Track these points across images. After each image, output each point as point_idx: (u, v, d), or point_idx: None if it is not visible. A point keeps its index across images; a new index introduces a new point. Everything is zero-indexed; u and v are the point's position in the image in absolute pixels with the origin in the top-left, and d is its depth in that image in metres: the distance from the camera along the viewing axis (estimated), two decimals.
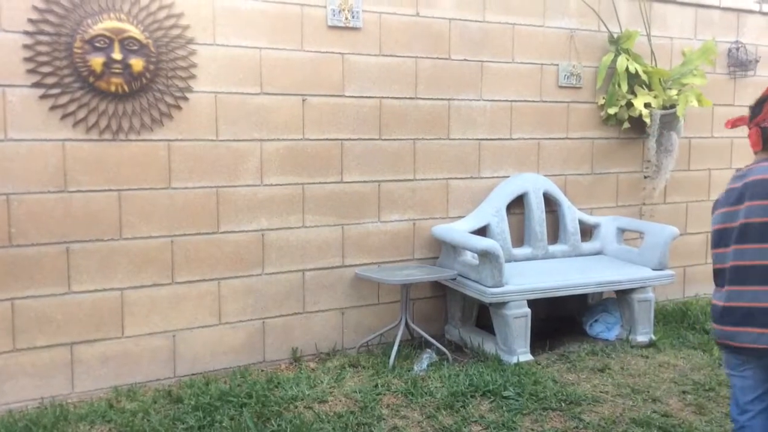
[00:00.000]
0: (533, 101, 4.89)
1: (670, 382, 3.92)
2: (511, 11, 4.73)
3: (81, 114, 3.57)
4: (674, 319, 5.08)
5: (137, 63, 3.63)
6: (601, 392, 3.78)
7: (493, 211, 4.64)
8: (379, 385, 3.80)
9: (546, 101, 4.95)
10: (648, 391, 3.79)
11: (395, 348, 4.13)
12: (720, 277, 2.50)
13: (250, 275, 4.08)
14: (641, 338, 4.57)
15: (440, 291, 4.65)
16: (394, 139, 4.42)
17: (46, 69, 3.47)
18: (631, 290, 4.56)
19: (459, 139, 4.64)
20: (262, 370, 4.09)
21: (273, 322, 4.18)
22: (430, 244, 4.61)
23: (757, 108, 2.49)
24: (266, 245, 4.12)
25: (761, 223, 2.29)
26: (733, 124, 2.65)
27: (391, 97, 4.38)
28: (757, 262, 2.32)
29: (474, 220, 4.62)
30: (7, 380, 3.52)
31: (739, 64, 5.73)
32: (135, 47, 3.62)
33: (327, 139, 4.23)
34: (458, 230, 4.45)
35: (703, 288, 5.83)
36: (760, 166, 2.36)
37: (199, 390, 3.68)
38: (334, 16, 4.16)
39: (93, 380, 3.72)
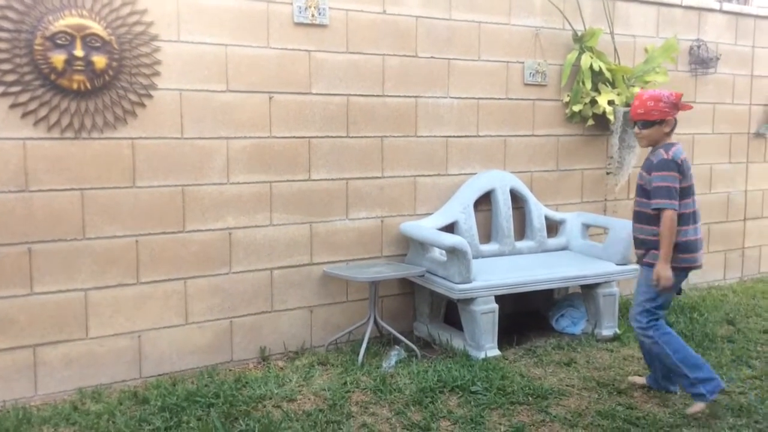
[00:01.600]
0: (499, 99, 4.93)
1: (635, 375, 3.99)
2: (477, 9, 4.76)
3: (42, 112, 3.51)
4: None
5: (100, 60, 3.58)
6: (567, 386, 3.83)
7: (460, 208, 4.67)
8: (348, 383, 3.80)
9: (512, 99, 4.99)
10: (613, 384, 3.85)
11: (364, 345, 4.14)
12: (687, 219, 3.43)
13: (217, 274, 4.05)
14: (606, 332, 4.64)
15: (409, 288, 4.67)
16: (362, 137, 4.42)
17: (5, 66, 3.40)
18: (596, 285, 4.63)
19: (426, 136, 4.65)
20: (230, 370, 4.06)
21: (241, 321, 4.15)
22: (399, 241, 4.62)
23: None
24: (233, 244, 4.09)
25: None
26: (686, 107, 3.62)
27: (359, 95, 4.38)
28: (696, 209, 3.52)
29: (442, 217, 4.64)
30: None
31: (701, 61, 5.84)
32: (98, 44, 3.56)
33: (294, 137, 4.21)
34: (426, 227, 4.47)
35: None
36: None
37: (166, 390, 3.65)
38: (300, 13, 4.14)
39: (57, 382, 3.66)
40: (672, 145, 3.48)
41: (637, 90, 5.15)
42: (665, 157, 3.41)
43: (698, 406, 3.45)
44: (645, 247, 3.54)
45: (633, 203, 3.62)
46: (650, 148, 3.58)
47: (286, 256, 4.25)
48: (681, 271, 3.48)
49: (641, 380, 3.85)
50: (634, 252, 3.70)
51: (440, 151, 4.72)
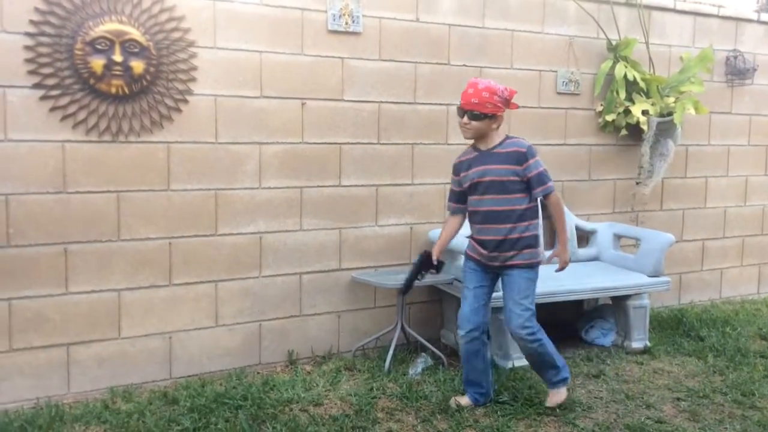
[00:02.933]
0: (531, 107, 4.91)
1: (665, 389, 3.94)
2: (510, 17, 4.76)
3: (81, 115, 3.59)
4: (669, 326, 5.10)
5: (138, 65, 3.65)
6: (595, 398, 3.80)
7: None
8: (375, 389, 3.81)
9: (544, 107, 4.97)
10: (642, 398, 3.81)
11: (391, 352, 4.15)
12: (535, 213, 3.51)
13: (247, 278, 4.10)
14: (636, 345, 4.59)
15: (436, 295, 4.67)
16: (393, 144, 4.44)
17: (46, 70, 3.49)
18: (627, 297, 4.58)
19: (457, 144, 4.64)
20: (258, 373, 4.10)
21: (269, 324, 4.19)
22: (427, 248, 4.60)
23: None
24: (264, 248, 4.13)
25: None
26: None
27: (390, 102, 4.40)
28: None
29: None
30: (2, 380, 3.53)
31: (737, 72, 5.75)
32: (136, 49, 3.63)
33: (325, 143, 4.25)
34: None
35: (698, 295, 5.86)
36: None
37: (195, 392, 3.70)
38: (334, 20, 4.18)
39: (89, 381, 3.73)
40: (514, 136, 3.49)
41: (672, 100, 5.10)
42: (526, 143, 3.42)
43: (562, 393, 3.60)
44: (518, 247, 3.39)
45: (477, 204, 3.44)
46: (488, 144, 3.45)
47: (316, 261, 4.28)
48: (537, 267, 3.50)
49: (466, 401, 3.62)
50: (483, 255, 3.48)
51: None
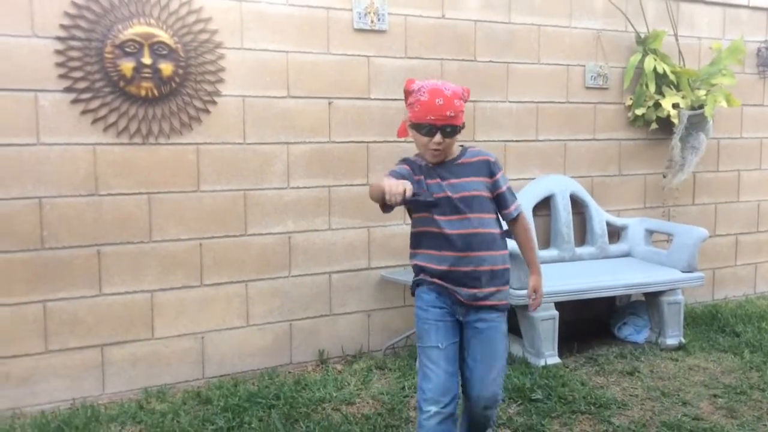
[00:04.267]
0: (559, 102, 4.87)
1: (701, 386, 3.88)
2: (536, 12, 4.72)
3: (112, 118, 3.62)
4: (704, 322, 5.02)
5: (167, 67, 3.67)
6: (630, 395, 3.75)
7: None
8: (406, 388, 3.80)
9: (572, 102, 4.92)
10: (678, 395, 3.75)
11: None
12: None
13: (277, 277, 4.10)
14: (670, 341, 4.52)
15: None
16: None
17: (77, 74, 3.52)
18: (660, 293, 4.52)
19: (484, 140, 4.62)
20: (290, 372, 4.10)
21: (300, 324, 4.19)
22: None
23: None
24: (293, 247, 4.13)
25: None
26: None
27: None
28: None
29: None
30: (39, 381, 3.57)
31: None
32: (164, 52, 3.65)
33: (353, 142, 4.24)
34: None
35: (732, 291, 5.76)
36: None
37: (228, 391, 3.71)
38: (360, 19, 4.17)
39: (123, 381, 3.76)
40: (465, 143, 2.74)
41: (703, 93, 5.02)
42: (487, 151, 2.69)
43: None
44: (502, 281, 2.61)
45: (456, 225, 2.52)
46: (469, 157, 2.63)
47: (345, 260, 4.28)
48: None
49: None
50: (468, 293, 2.55)
51: (499, 156, 4.64)
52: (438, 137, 2.48)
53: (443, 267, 2.56)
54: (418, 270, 2.67)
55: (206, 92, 3.81)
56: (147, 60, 3.61)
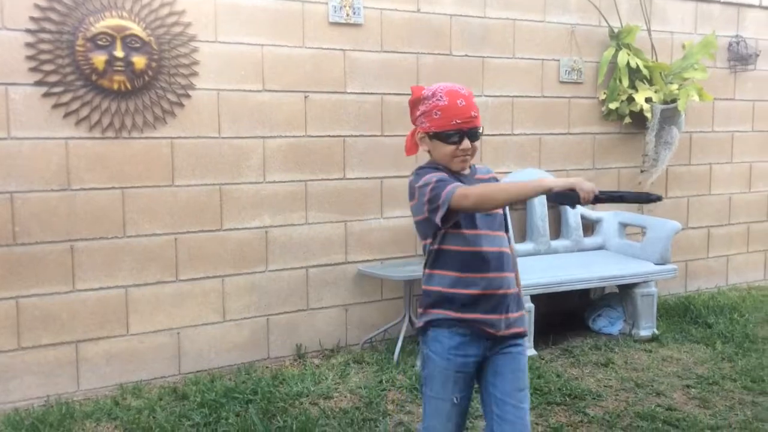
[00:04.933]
0: (534, 97, 4.90)
1: (674, 376, 3.93)
2: (511, 6, 4.74)
3: (84, 112, 3.57)
4: (676, 314, 5.09)
5: (139, 60, 3.63)
6: (605, 386, 3.79)
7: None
8: (384, 381, 3.81)
9: (547, 96, 4.95)
10: (651, 385, 3.80)
11: (399, 344, 4.14)
12: None
13: (253, 272, 4.09)
14: (644, 333, 4.58)
15: None
16: (396, 135, 4.42)
17: (48, 67, 3.47)
18: (634, 285, 4.57)
19: None
20: (267, 367, 4.09)
21: (277, 319, 4.18)
22: None
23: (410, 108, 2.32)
24: (269, 242, 4.12)
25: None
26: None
27: (393, 94, 4.38)
28: None
29: None
30: (12, 378, 3.52)
31: (740, 58, 5.73)
32: (137, 45, 3.61)
33: (329, 136, 4.23)
34: None
35: (705, 282, 5.85)
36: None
37: (205, 387, 3.69)
38: (335, 12, 4.15)
39: (98, 378, 3.72)
40: None
41: (675, 87, 5.07)
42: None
43: None
44: (521, 304, 2.36)
45: (485, 241, 2.21)
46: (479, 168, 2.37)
47: (322, 254, 4.27)
48: None
49: None
50: (501, 320, 2.22)
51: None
52: (466, 142, 2.18)
53: (474, 291, 2.19)
54: (438, 299, 2.24)
55: (180, 86, 3.78)
56: (119, 53, 3.57)
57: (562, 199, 2.00)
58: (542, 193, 2.00)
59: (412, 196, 2.21)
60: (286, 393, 3.63)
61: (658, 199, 2.08)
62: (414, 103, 2.28)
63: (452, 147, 2.18)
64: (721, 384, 3.81)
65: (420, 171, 2.22)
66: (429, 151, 2.28)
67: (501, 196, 2.03)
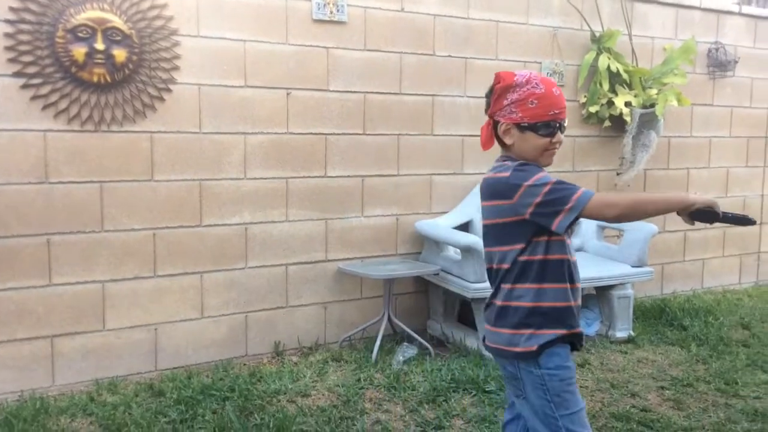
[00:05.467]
0: None
1: (649, 378, 3.97)
2: (494, 8, 4.76)
3: (63, 104, 3.53)
4: (652, 316, 5.15)
5: (120, 54, 3.60)
6: (580, 387, 3.82)
7: (476, 207, 4.66)
8: (362, 380, 3.81)
9: None
10: (627, 387, 3.84)
11: (377, 342, 4.15)
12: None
13: (233, 269, 4.07)
14: (620, 334, 4.62)
15: (423, 286, 4.67)
16: (378, 134, 4.42)
17: (27, 58, 3.43)
18: (611, 287, 4.61)
19: (443, 135, 4.65)
20: (245, 364, 4.08)
21: (256, 316, 4.17)
22: (413, 239, 4.62)
23: (486, 99, 2.14)
24: (249, 239, 4.10)
25: (485, 225, 2.13)
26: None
27: (376, 92, 4.39)
28: None
29: (457, 216, 4.64)
30: None
31: (719, 64, 5.80)
32: (118, 38, 3.58)
33: (311, 133, 4.22)
34: (441, 226, 4.47)
35: (680, 285, 5.92)
36: (495, 165, 2.11)
37: (181, 383, 3.66)
38: (319, 9, 4.15)
39: (74, 373, 3.68)
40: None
41: (654, 92, 5.13)
42: None
43: None
44: None
45: (568, 250, 2.08)
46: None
47: (302, 252, 4.26)
48: None
49: None
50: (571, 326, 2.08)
51: (456, 150, 4.72)
52: (560, 135, 2.05)
53: (570, 303, 2.07)
54: (552, 316, 2.03)
55: (161, 80, 3.75)
56: (100, 45, 3.54)
57: (701, 216, 1.95)
58: (685, 208, 1.92)
59: (506, 194, 1.97)
60: (264, 390, 3.62)
61: (753, 222, 2.02)
62: (502, 91, 2.04)
63: (546, 140, 2.02)
64: (695, 386, 3.86)
65: (525, 167, 1.98)
66: (509, 145, 2.07)
67: (650, 208, 1.94)
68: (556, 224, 1.90)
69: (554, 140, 2.04)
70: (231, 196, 4.02)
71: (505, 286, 2.04)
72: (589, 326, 4.75)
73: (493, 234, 2.08)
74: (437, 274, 4.34)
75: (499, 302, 2.07)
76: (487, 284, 4.06)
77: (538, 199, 1.91)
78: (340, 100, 4.28)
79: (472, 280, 4.11)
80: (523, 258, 2.01)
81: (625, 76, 5.12)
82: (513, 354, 2.04)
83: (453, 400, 3.57)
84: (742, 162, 6.16)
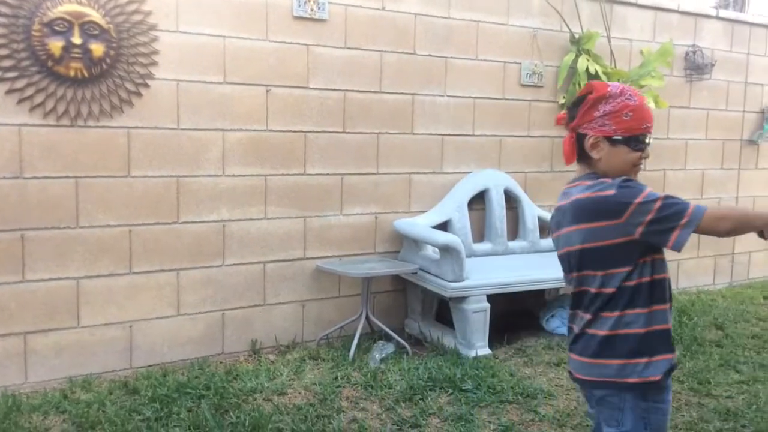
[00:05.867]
0: (496, 98, 4.94)
1: None
2: (475, 8, 4.77)
3: (38, 98, 3.49)
4: None
5: (97, 48, 3.56)
6: (556, 386, 3.85)
7: (454, 206, 4.68)
8: (339, 378, 3.81)
9: (508, 99, 5.00)
10: None
11: (355, 341, 4.14)
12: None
13: (210, 266, 4.04)
14: None
15: (401, 285, 4.67)
16: (358, 133, 4.42)
17: (2, 51, 3.39)
18: None
19: (422, 134, 4.66)
20: (221, 362, 4.05)
21: (232, 314, 4.15)
22: (392, 238, 4.62)
23: (572, 110, 2.01)
24: (227, 236, 4.08)
25: (581, 251, 1.94)
26: (558, 120, 2.19)
27: (356, 90, 4.38)
28: None
29: (436, 215, 4.65)
30: None
31: (696, 67, 5.86)
32: (95, 32, 3.55)
33: (291, 131, 4.21)
34: (420, 225, 4.48)
35: None
36: (583, 184, 1.94)
37: (156, 381, 3.64)
38: (299, 6, 4.13)
39: (47, 370, 3.64)
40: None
41: None
42: None
43: None
44: None
45: (667, 268, 1.97)
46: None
47: (280, 250, 4.25)
48: None
49: None
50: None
51: (436, 149, 4.73)
52: (648, 150, 1.96)
53: (670, 324, 1.96)
54: (660, 341, 1.92)
55: (138, 75, 3.72)
56: (77, 40, 3.50)
57: None
58: None
59: (613, 214, 1.83)
60: (240, 389, 3.60)
61: None
62: (595, 102, 1.92)
63: (637, 154, 1.92)
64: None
65: (629, 184, 1.84)
66: (596, 160, 1.94)
67: (758, 223, 1.83)
68: (673, 241, 1.78)
69: (644, 155, 1.95)
70: (209, 193, 3.99)
71: (611, 314, 1.90)
72: (565, 325, 4.77)
73: (592, 257, 1.91)
74: (415, 273, 4.34)
75: (603, 332, 1.91)
76: (465, 283, 4.11)
77: (650, 217, 1.78)
78: (320, 97, 4.27)
79: (450, 279, 4.12)
80: (632, 282, 1.88)
81: (603, 77, 5.15)
82: (626, 386, 1.90)
83: (430, 399, 3.58)
84: (717, 164, 6.24)
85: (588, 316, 1.95)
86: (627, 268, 1.86)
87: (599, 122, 1.91)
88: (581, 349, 1.99)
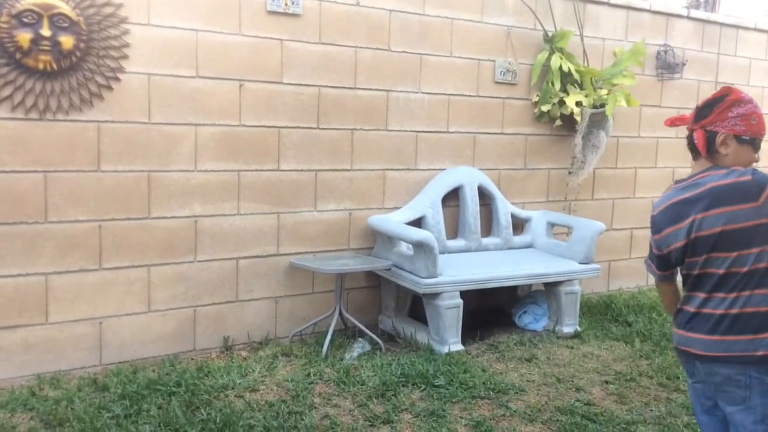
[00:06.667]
0: (470, 96, 4.96)
1: (593, 372, 4.06)
2: (450, 5, 4.78)
3: (6, 91, 3.43)
4: (599, 312, 5.25)
5: (67, 40, 3.51)
6: (527, 381, 3.88)
7: (428, 203, 4.69)
8: (312, 374, 3.80)
9: (482, 96, 5.02)
10: (572, 381, 3.91)
11: (328, 337, 4.14)
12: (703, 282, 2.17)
13: (181, 262, 4.01)
14: (567, 329, 4.70)
15: (375, 281, 4.67)
16: (333, 129, 4.41)
17: None
18: (559, 283, 4.69)
19: (397, 130, 4.66)
20: (193, 359, 4.02)
21: (204, 310, 4.12)
22: (366, 234, 4.62)
23: (705, 110, 2.23)
24: (199, 232, 4.05)
25: (734, 230, 2.11)
26: (673, 122, 2.44)
27: (330, 86, 4.37)
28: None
29: (410, 212, 4.66)
30: None
31: (667, 66, 5.93)
32: (65, 24, 3.49)
33: (264, 126, 4.18)
34: (394, 221, 4.48)
35: (626, 282, 6.05)
36: (715, 173, 2.14)
37: (126, 378, 3.60)
38: (273, 1, 4.10)
39: (14, 367, 3.59)
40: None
41: (604, 92, 5.22)
42: None
43: None
44: None
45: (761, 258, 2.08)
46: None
47: (253, 245, 4.23)
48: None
49: None
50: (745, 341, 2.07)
51: (410, 146, 4.73)
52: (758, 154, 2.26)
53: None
54: None
55: (109, 68, 3.67)
56: (46, 32, 3.44)
57: None
58: None
59: (753, 196, 2.04)
60: (211, 385, 3.58)
61: None
62: (731, 104, 2.17)
63: (755, 155, 2.21)
64: (638, 381, 3.96)
65: (758, 172, 2.09)
66: (723, 155, 2.17)
67: None
68: None
69: (757, 157, 2.22)
70: (181, 189, 3.96)
71: (741, 294, 2.08)
72: (537, 321, 4.83)
73: (728, 239, 2.08)
74: (389, 269, 4.35)
75: (733, 311, 2.08)
76: (439, 279, 4.12)
77: None
78: (294, 93, 4.25)
79: (423, 275, 4.13)
80: (762, 264, 2.06)
81: (576, 76, 5.20)
82: (754, 359, 2.05)
83: (402, 395, 3.59)
84: (687, 162, 6.22)
85: (715, 296, 2.12)
86: (758, 249, 2.05)
87: (732, 122, 2.15)
88: (704, 328, 2.14)
